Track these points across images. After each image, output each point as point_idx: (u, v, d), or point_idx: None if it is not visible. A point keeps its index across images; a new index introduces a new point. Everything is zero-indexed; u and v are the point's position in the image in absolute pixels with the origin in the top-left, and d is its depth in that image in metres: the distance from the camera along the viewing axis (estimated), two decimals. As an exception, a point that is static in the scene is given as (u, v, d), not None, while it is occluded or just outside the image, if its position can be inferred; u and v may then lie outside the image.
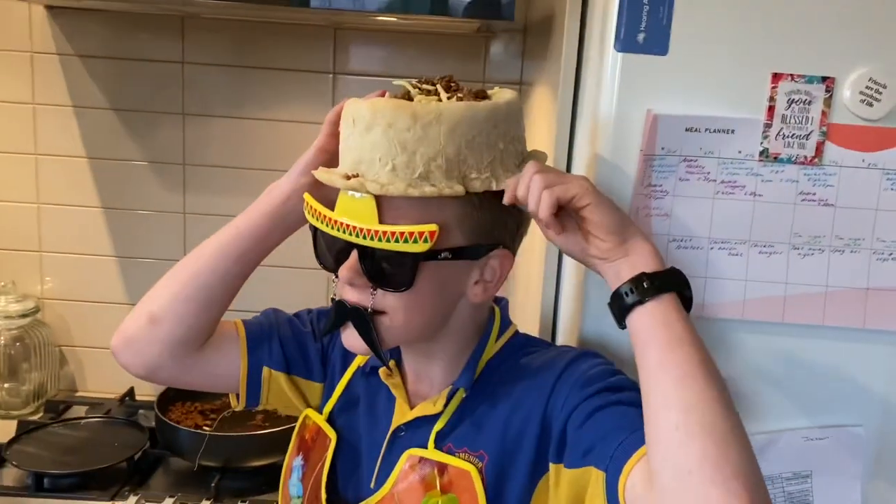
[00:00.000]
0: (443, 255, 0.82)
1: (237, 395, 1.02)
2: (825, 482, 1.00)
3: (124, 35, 1.78)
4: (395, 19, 1.58)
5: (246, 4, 1.46)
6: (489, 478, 0.86)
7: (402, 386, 0.95)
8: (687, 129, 0.92)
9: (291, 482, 1.00)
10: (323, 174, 0.85)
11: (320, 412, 1.00)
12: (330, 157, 0.94)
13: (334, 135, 0.93)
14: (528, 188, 0.79)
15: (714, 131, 0.92)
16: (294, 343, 1.01)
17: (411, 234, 0.79)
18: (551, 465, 0.83)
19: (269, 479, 1.55)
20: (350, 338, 0.86)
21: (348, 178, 0.81)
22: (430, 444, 0.89)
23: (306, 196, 0.88)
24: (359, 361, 1.00)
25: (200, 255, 0.97)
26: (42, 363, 1.85)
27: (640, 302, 0.76)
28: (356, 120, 0.82)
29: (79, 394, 1.94)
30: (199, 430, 1.59)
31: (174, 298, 0.95)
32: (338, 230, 0.82)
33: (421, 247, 0.79)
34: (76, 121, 1.82)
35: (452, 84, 0.87)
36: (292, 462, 1.01)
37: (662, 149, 0.92)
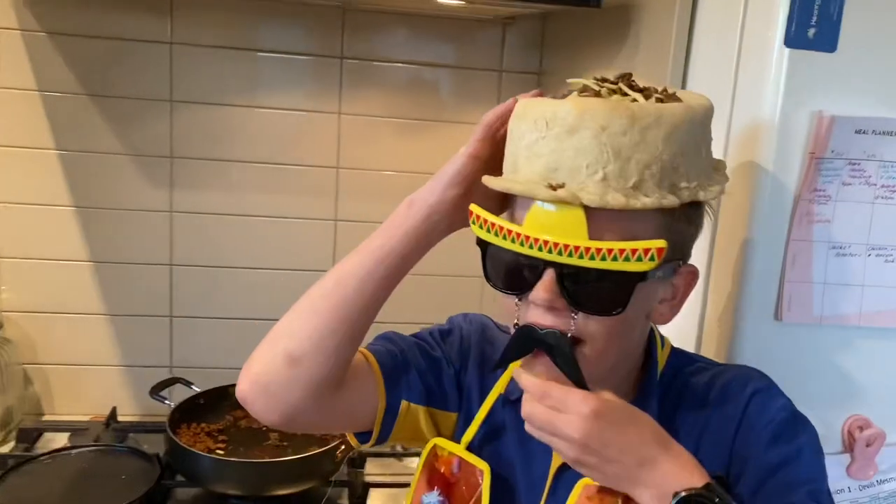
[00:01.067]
0: (658, 273, 0.73)
1: (359, 434, 0.91)
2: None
3: (103, 10, 1.56)
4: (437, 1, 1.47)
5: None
6: None
7: None
8: (857, 131, 0.88)
9: None
10: (516, 185, 0.74)
11: (457, 441, 0.90)
12: (481, 165, 0.83)
13: (489, 140, 0.82)
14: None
15: (880, 133, 0.88)
16: (430, 372, 0.90)
17: (633, 251, 0.70)
18: None
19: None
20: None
21: (553, 188, 0.71)
22: None
23: (478, 210, 0.78)
24: (500, 389, 0.90)
25: (341, 281, 0.84)
26: (5, 385, 1.62)
27: None
28: (550, 122, 0.72)
29: (46, 417, 1.72)
30: (218, 456, 1.43)
31: (316, 333, 0.81)
32: (535, 248, 0.72)
33: (646, 265, 0.70)
34: (43, 107, 1.59)
35: (633, 83, 0.78)
36: (422, 498, 0.90)
37: (832, 151, 0.88)
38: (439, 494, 0.89)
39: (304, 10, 1.62)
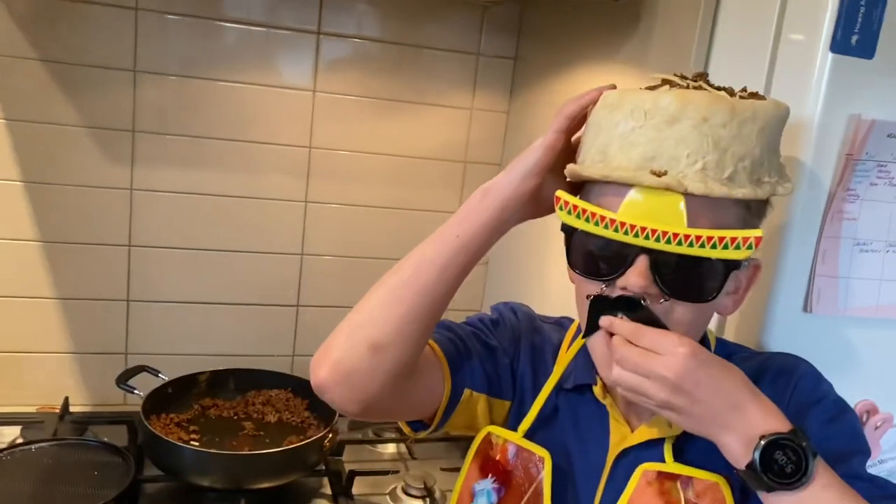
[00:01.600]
0: (747, 262, 0.75)
1: (413, 423, 0.90)
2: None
3: (62, -32, 1.44)
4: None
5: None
6: (738, 499, 0.81)
7: (616, 406, 0.87)
8: (889, 135, 0.93)
9: None
10: (617, 172, 0.74)
11: (512, 429, 0.90)
12: (556, 156, 0.83)
13: (568, 131, 0.82)
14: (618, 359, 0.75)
15: (905, 137, 0.94)
16: (488, 360, 0.90)
17: (733, 239, 0.72)
18: None
19: (286, 499, 1.38)
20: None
21: (658, 175, 0.71)
22: (668, 457, 0.83)
23: (567, 196, 0.78)
24: (555, 378, 0.90)
25: (421, 270, 0.82)
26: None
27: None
28: (650, 112, 0.73)
29: (-17, 410, 1.58)
30: (199, 448, 1.37)
31: (400, 321, 0.80)
32: (630, 234, 0.73)
33: (743, 254, 0.73)
34: (-11, 72, 1.45)
35: (710, 81, 0.80)
36: (474, 486, 0.90)
37: (867, 153, 0.92)
38: (494, 482, 0.89)
39: (283, -19, 1.55)
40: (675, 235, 0.72)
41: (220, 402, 1.56)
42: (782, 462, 0.70)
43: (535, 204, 0.84)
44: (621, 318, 0.76)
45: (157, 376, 1.51)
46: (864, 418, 1.01)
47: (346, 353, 0.80)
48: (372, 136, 1.68)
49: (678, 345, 0.71)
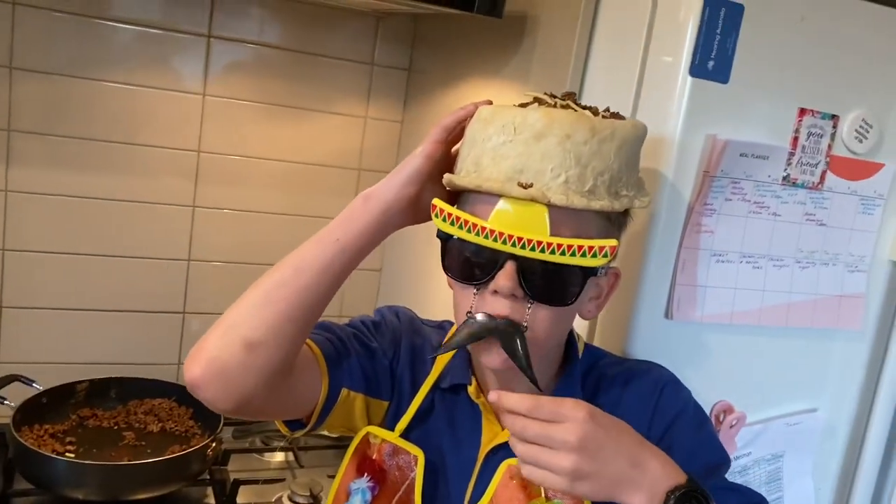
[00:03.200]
0: (604, 270, 0.80)
1: (290, 423, 0.92)
2: (791, 459, 1.17)
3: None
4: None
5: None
6: None
7: (489, 405, 0.90)
8: (741, 154, 1.00)
9: None
10: (488, 183, 0.78)
11: (390, 430, 0.92)
12: (434, 165, 0.86)
13: (445, 142, 0.85)
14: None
15: (756, 157, 1.02)
16: (367, 360, 0.92)
17: (590, 248, 0.77)
18: None
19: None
20: (494, 355, 0.81)
21: (524, 186, 0.75)
22: None
23: (442, 204, 0.81)
24: (432, 378, 0.93)
25: (300, 272, 0.83)
26: None
27: None
28: (519, 127, 0.77)
29: None
30: (74, 459, 1.32)
31: (277, 321, 0.81)
32: (499, 241, 0.77)
33: (600, 261, 0.78)
34: None
35: (577, 101, 0.85)
36: (350, 485, 0.91)
37: (721, 171, 0.99)
38: (369, 480, 0.91)
39: (172, -18, 1.53)
40: (539, 243, 0.77)
41: (99, 413, 1.51)
42: None
43: (415, 210, 0.87)
44: (497, 349, 0.79)
45: (32, 386, 1.44)
46: (721, 418, 1.09)
47: (220, 351, 0.80)
48: (264, 142, 1.67)
49: (577, 409, 0.73)
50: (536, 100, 0.83)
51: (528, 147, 0.77)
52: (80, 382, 1.51)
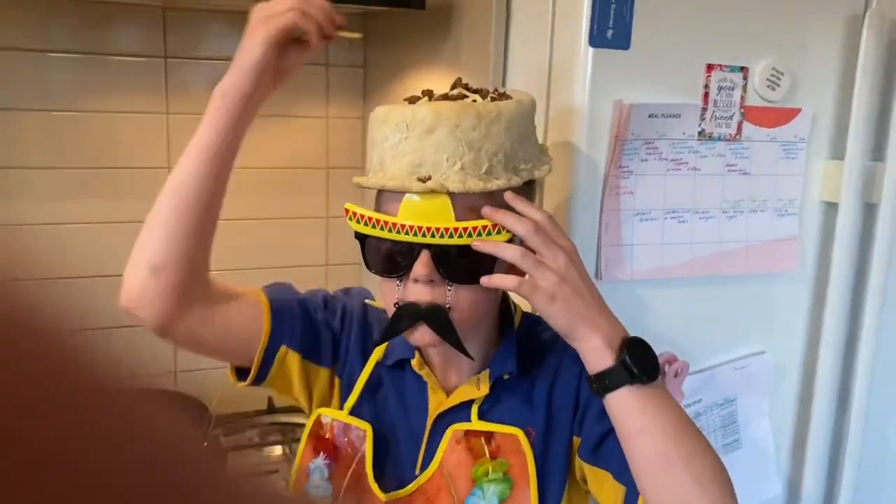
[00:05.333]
0: (514, 241, 0.85)
1: (237, 372, 0.97)
2: (745, 402, 1.21)
3: None
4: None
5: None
6: (538, 450, 0.91)
7: (433, 375, 0.96)
8: (650, 116, 1.04)
9: (312, 485, 0.96)
10: (391, 181, 0.83)
11: (340, 408, 0.97)
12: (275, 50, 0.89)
13: (277, 45, 0.89)
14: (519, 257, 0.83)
15: (666, 116, 1.06)
16: (310, 326, 0.96)
17: (494, 226, 0.83)
18: (574, 437, 0.92)
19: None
20: (425, 335, 0.86)
21: (423, 180, 0.81)
22: (474, 416, 0.92)
23: (354, 207, 0.87)
24: (377, 356, 0.98)
25: (179, 188, 0.88)
26: None
27: (600, 395, 0.84)
28: (410, 124, 0.82)
29: None
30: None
31: (168, 241, 0.87)
32: (410, 234, 0.83)
33: (504, 236, 0.83)
34: None
35: (468, 85, 0.90)
36: (308, 465, 0.97)
37: (632, 134, 1.04)
38: (325, 458, 0.97)
39: (123, 10, 1.59)
40: (447, 230, 0.82)
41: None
42: (646, 358, 0.82)
43: (265, 87, 0.91)
44: (424, 328, 0.85)
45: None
46: (666, 368, 1.13)
47: (132, 278, 0.87)
48: (231, 152, 1.73)
49: (568, 246, 0.85)
50: (425, 93, 0.88)
51: (422, 141, 0.82)
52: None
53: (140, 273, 0.87)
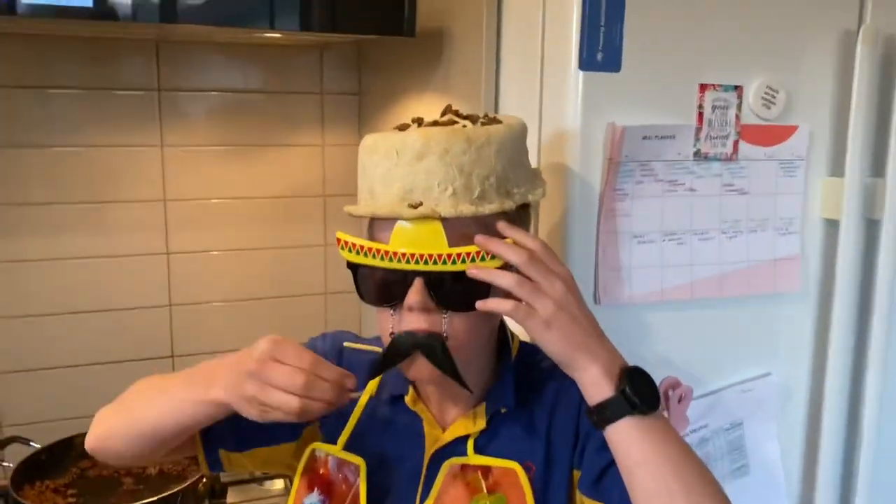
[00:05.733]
0: (508, 267, 0.83)
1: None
2: (752, 426, 1.19)
3: None
4: (244, 34, 1.50)
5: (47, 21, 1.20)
6: (537, 485, 0.89)
7: (428, 410, 0.94)
8: (644, 138, 1.03)
9: None
10: (380, 209, 0.82)
11: (333, 443, 0.95)
12: None
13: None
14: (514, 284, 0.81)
15: (661, 137, 1.04)
16: (245, 421, 0.87)
17: (488, 252, 0.81)
18: (574, 470, 0.90)
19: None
20: (422, 370, 0.84)
21: (414, 206, 0.79)
22: (470, 450, 0.90)
23: (345, 236, 0.85)
24: (371, 390, 0.96)
25: (141, 422, 0.91)
26: None
27: (600, 427, 0.82)
28: (400, 151, 0.81)
29: None
30: (71, 511, 1.38)
31: (125, 438, 0.92)
32: (403, 262, 0.81)
33: (497, 262, 0.81)
34: None
35: (459, 112, 0.89)
36: (304, 500, 0.95)
37: (626, 156, 1.02)
38: (319, 494, 0.94)
39: (118, 45, 1.59)
40: (440, 256, 0.81)
41: (98, 462, 1.56)
42: (646, 387, 0.80)
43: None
44: (421, 361, 0.83)
45: (29, 445, 1.51)
46: (669, 394, 1.11)
47: (98, 445, 0.95)
48: (228, 183, 1.73)
49: (564, 274, 0.83)
50: (415, 121, 0.87)
51: (413, 167, 0.80)
52: (77, 436, 1.57)
53: (107, 450, 0.95)
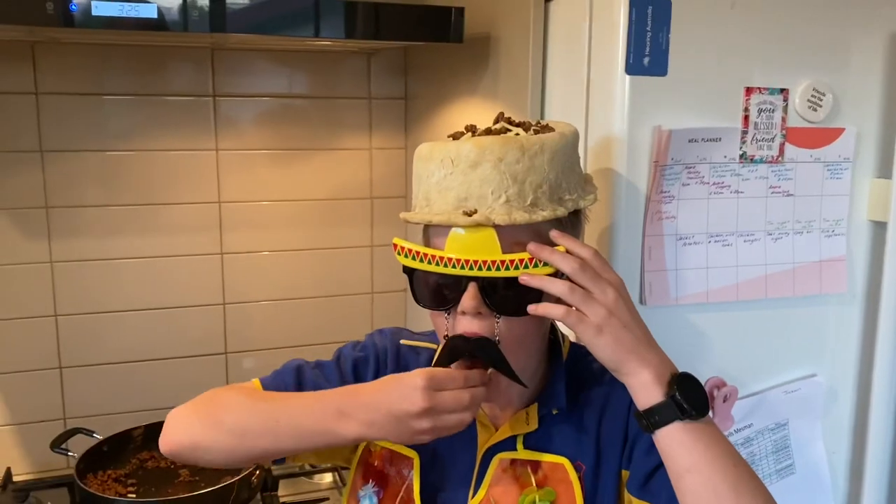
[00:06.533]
0: (560, 275, 0.85)
1: None
2: (797, 426, 1.19)
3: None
4: (291, 41, 1.54)
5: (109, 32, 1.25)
6: (587, 484, 0.91)
7: (481, 409, 0.96)
8: (690, 140, 1.04)
9: None
10: (438, 216, 0.85)
11: None
12: None
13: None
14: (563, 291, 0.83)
15: (707, 140, 1.06)
16: None
17: (540, 259, 0.83)
18: (623, 471, 0.92)
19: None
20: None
21: (469, 214, 0.82)
22: (520, 446, 0.93)
23: (402, 242, 0.88)
24: None
25: (272, 433, 0.89)
26: None
27: (649, 431, 0.83)
28: (455, 160, 0.84)
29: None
30: (131, 500, 1.44)
31: (229, 455, 0.91)
32: (458, 267, 0.84)
33: (549, 269, 0.83)
34: None
35: (511, 119, 0.91)
36: (359, 491, 0.99)
37: (672, 159, 1.04)
38: (374, 486, 0.98)
39: (173, 52, 1.66)
40: (494, 263, 0.83)
41: (156, 454, 1.63)
42: (696, 393, 0.81)
43: None
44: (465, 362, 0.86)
45: (92, 436, 1.58)
46: (714, 393, 1.12)
47: (181, 451, 0.92)
48: (280, 185, 1.78)
49: (615, 280, 0.85)
50: (468, 129, 0.90)
51: (467, 176, 0.83)
52: (136, 428, 1.64)
53: (181, 440, 0.92)
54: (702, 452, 0.80)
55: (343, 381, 0.96)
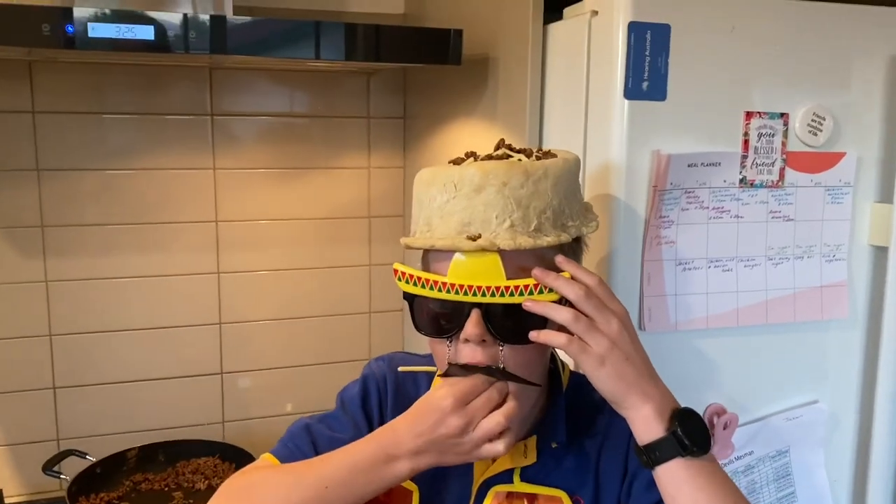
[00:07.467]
0: (563, 302, 0.83)
1: None
2: (798, 453, 1.18)
3: (-43, 83, 1.52)
4: (291, 63, 1.54)
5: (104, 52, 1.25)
6: None
7: None
8: (689, 165, 1.04)
9: None
10: (440, 241, 0.83)
11: None
12: None
13: None
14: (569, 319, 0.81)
15: (706, 165, 1.05)
16: None
17: (545, 286, 0.82)
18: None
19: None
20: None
21: (473, 238, 0.81)
22: (516, 478, 0.91)
23: (402, 267, 0.86)
24: None
25: (324, 501, 0.85)
26: None
27: (649, 467, 0.82)
28: (458, 184, 0.82)
29: (-79, 510, 1.62)
30: (125, 524, 1.42)
31: None
32: (461, 293, 0.82)
33: (554, 295, 0.82)
34: None
35: (512, 146, 0.90)
36: None
37: (671, 184, 1.03)
38: None
39: (171, 71, 1.65)
40: (498, 288, 0.82)
41: (150, 476, 1.61)
42: (697, 429, 0.80)
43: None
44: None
45: (85, 458, 1.56)
46: (715, 420, 1.11)
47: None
48: (277, 204, 1.77)
49: (619, 311, 0.83)
50: (469, 154, 0.89)
51: (471, 200, 0.82)
52: (130, 450, 1.62)
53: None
54: (702, 488, 0.79)
55: (356, 426, 0.94)
